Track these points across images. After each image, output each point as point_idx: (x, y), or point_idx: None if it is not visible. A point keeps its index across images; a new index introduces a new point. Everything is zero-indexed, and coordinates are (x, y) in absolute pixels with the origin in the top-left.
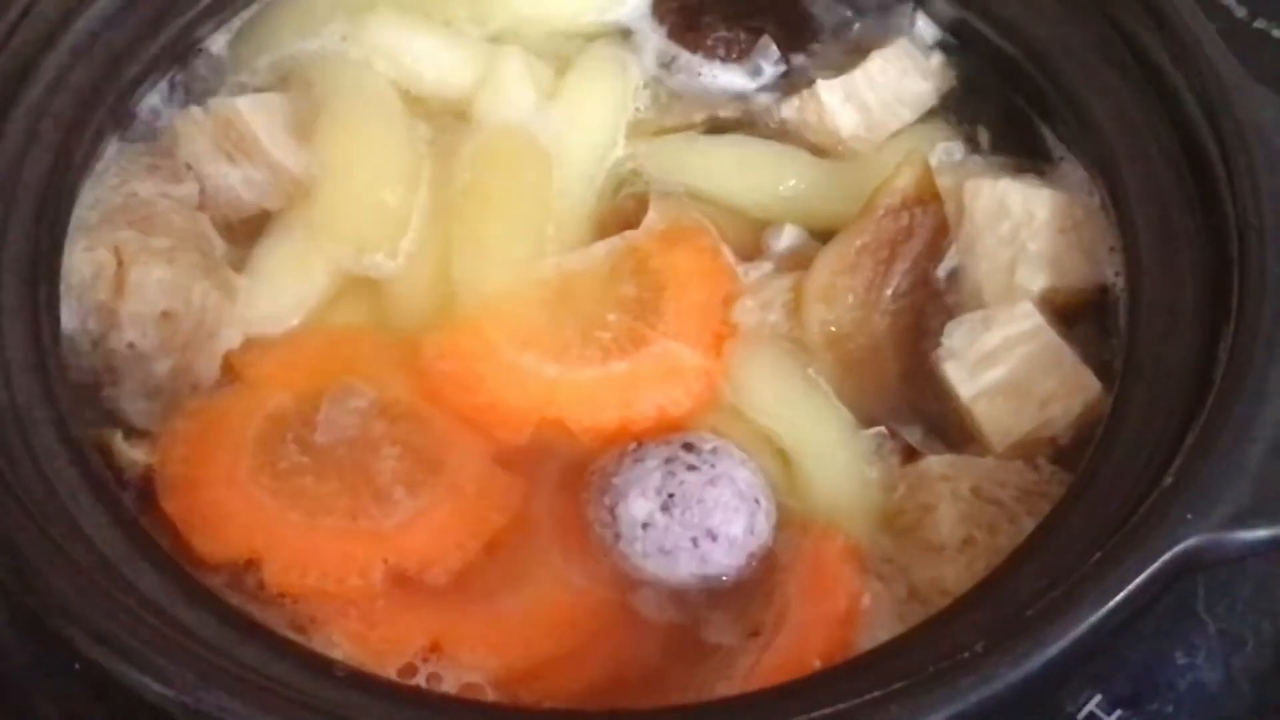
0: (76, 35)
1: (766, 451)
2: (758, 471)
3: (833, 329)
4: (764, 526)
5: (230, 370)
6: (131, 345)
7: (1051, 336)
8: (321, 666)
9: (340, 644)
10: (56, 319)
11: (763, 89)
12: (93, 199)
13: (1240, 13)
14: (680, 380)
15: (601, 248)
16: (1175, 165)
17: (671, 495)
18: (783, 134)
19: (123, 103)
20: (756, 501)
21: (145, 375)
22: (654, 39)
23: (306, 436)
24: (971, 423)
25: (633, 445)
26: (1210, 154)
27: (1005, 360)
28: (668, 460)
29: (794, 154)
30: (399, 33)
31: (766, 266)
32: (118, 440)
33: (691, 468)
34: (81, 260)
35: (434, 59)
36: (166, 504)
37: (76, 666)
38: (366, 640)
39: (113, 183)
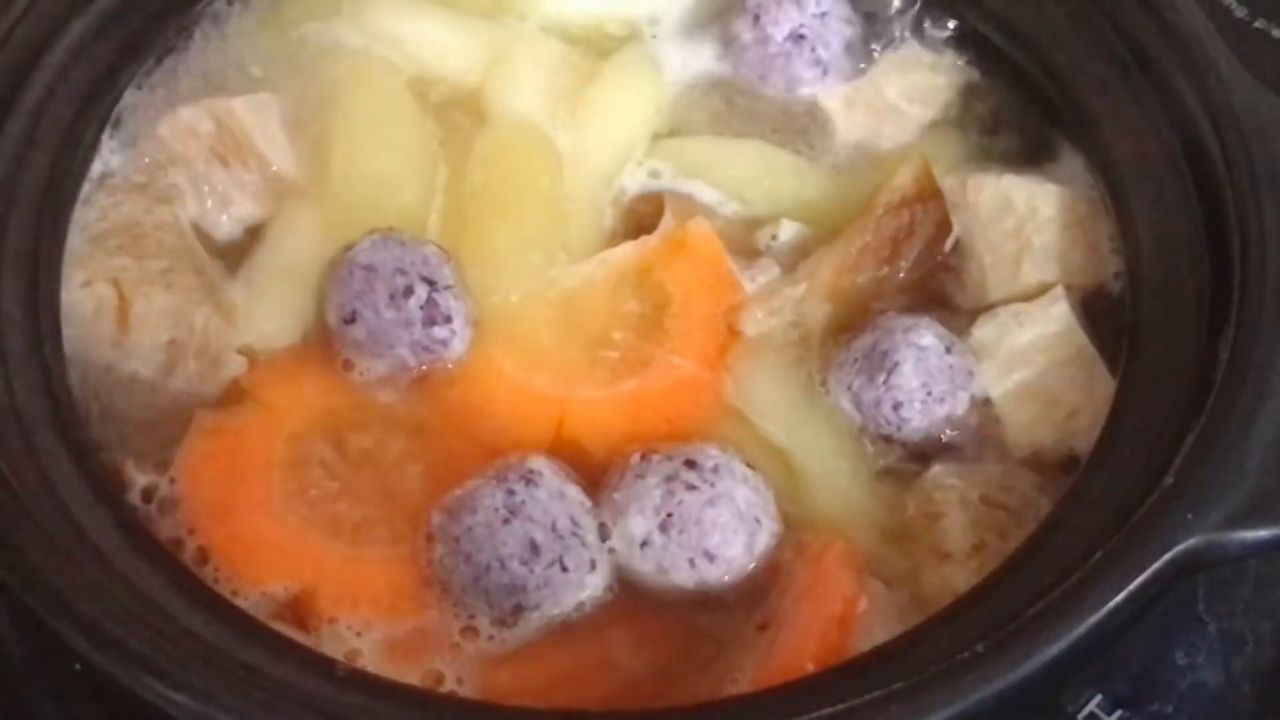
0: (76, 35)
1: (772, 459)
2: (760, 488)
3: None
4: (763, 545)
5: (239, 391)
6: (138, 374)
7: (1083, 341)
8: (322, 666)
9: (361, 650)
10: (57, 318)
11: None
12: (81, 223)
13: (1240, 13)
14: (687, 394)
15: (604, 260)
16: (1175, 165)
17: (670, 515)
18: (798, 146)
19: (122, 103)
20: (757, 521)
21: (151, 401)
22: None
23: (330, 459)
24: (993, 423)
25: (636, 458)
26: (1210, 154)
27: (1035, 362)
28: (668, 479)
29: (812, 165)
30: (399, 18)
31: (774, 270)
32: (129, 466)
33: (691, 487)
34: (81, 297)
35: (437, 44)
36: (205, 532)
37: (76, 666)
38: (394, 651)
39: (102, 203)
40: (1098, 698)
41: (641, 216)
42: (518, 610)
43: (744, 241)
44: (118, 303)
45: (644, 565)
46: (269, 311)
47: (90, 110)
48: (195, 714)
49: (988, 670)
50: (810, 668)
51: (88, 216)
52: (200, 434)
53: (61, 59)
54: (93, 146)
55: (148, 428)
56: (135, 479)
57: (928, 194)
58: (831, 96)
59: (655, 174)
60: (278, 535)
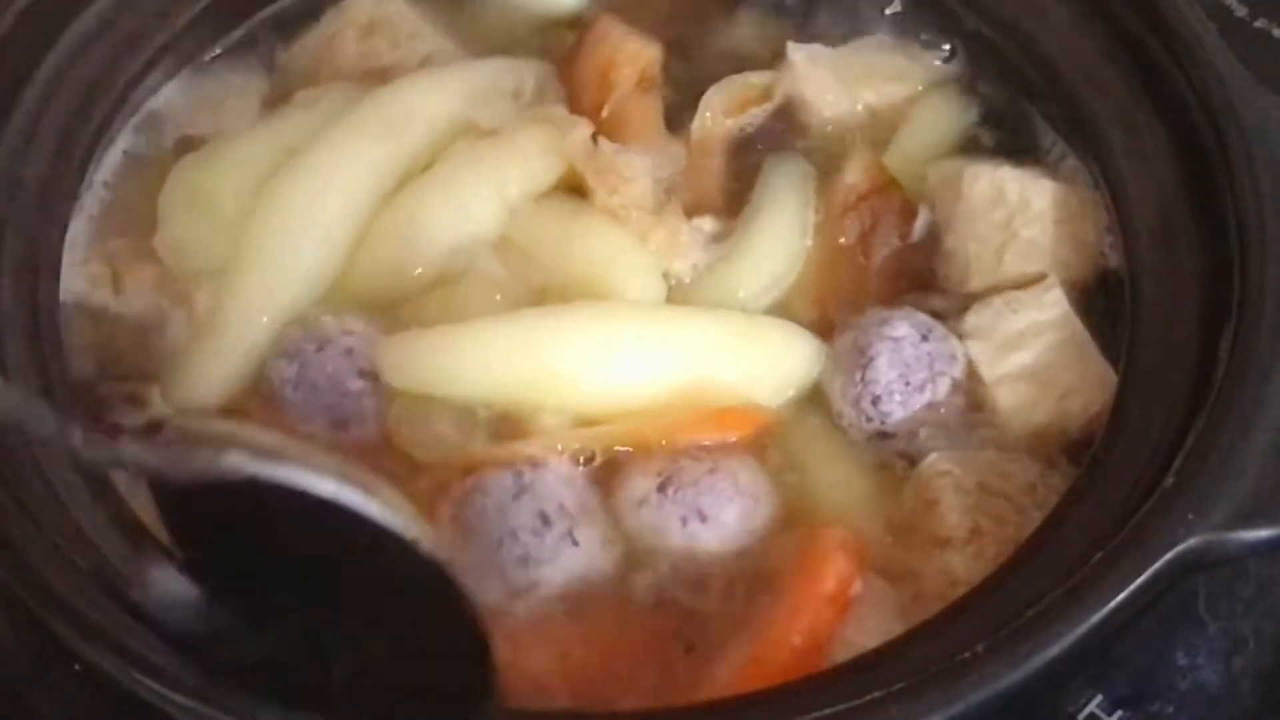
0: (76, 35)
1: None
2: (762, 475)
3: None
4: (759, 522)
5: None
6: (130, 329)
7: (1077, 327)
8: (321, 667)
9: None
10: (56, 318)
11: None
12: (84, 210)
13: (1240, 12)
14: None
15: None
16: (1175, 165)
17: (670, 477)
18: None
19: (122, 102)
20: (754, 500)
21: (143, 354)
22: None
23: None
24: (990, 406)
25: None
26: (1210, 154)
27: (1031, 346)
28: (673, 454)
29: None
30: None
31: None
32: (118, 407)
33: (695, 459)
34: (78, 274)
35: None
36: None
37: (76, 666)
38: None
39: (102, 193)
40: (1098, 698)
41: None
42: (531, 585)
43: None
44: (112, 277)
45: (638, 525)
46: (199, 376)
47: (90, 110)
48: (194, 713)
49: (988, 670)
50: (798, 641)
51: (89, 203)
52: None
53: (61, 59)
54: (92, 146)
55: (141, 374)
56: (127, 421)
57: (881, 184)
58: (797, 50)
59: None
60: None
